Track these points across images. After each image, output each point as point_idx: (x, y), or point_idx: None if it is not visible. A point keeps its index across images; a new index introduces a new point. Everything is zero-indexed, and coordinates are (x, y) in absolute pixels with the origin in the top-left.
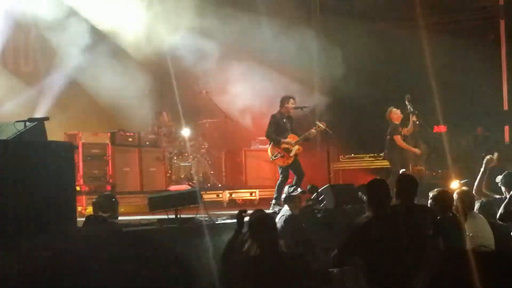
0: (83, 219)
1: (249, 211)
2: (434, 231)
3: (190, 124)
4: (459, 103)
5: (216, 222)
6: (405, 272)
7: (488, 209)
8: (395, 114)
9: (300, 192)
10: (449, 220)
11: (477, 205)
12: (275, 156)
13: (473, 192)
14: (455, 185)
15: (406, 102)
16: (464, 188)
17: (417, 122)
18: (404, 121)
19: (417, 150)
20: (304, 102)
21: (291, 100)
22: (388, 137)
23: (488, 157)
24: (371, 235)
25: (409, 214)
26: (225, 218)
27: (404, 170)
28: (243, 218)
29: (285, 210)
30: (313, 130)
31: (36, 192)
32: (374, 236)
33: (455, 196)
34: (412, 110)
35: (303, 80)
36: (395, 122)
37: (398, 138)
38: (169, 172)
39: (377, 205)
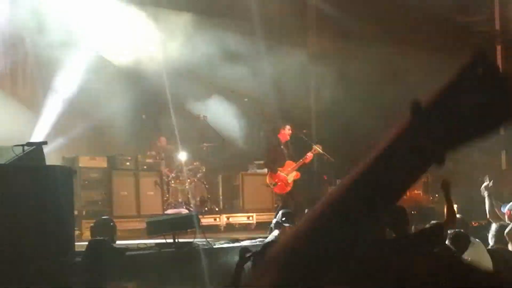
0: (80, 243)
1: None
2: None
3: (187, 148)
4: None
5: (214, 247)
6: None
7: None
8: None
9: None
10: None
11: (494, 227)
12: (273, 185)
13: (488, 217)
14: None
15: None
16: (458, 216)
17: None
18: None
19: None
20: (303, 126)
21: (287, 127)
22: None
23: (485, 184)
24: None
25: (400, 245)
26: (223, 242)
27: None
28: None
29: (274, 236)
30: (309, 154)
31: (34, 216)
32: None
33: None
34: None
35: (301, 104)
36: None
37: None
38: (167, 196)
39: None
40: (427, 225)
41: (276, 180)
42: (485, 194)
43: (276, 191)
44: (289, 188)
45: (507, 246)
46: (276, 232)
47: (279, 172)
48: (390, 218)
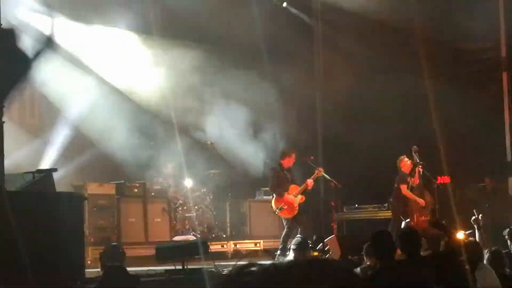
0: (89, 270)
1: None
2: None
3: (194, 175)
4: (463, 154)
5: (223, 273)
6: None
7: (499, 257)
8: (405, 163)
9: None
10: (456, 273)
11: (487, 254)
12: (280, 209)
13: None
14: (460, 236)
15: (413, 153)
16: (471, 239)
17: (421, 173)
18: (411, 172)
19: (422, 201)
20: (309, 152)
21: (293, 154)
22: (395, 185)
23: (474, 217)
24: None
25: (413, 268)
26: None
27: (408, 220)
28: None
29: (291, 259)
30: (313, 176)
31: (45, 242)
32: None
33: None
34: (418, 161)
35: (308, 131)
36: (404, 171)
37: (404, 188)
38: (174, 222)
39: (382, 256)
40: (441, 249)
41: (282, 204)
42: (475, 226)
43: (282, 215)
44: (295, 212)
45: (504, 270)
46: (291, 257)
47: (285, 195)
48: (402, 240)
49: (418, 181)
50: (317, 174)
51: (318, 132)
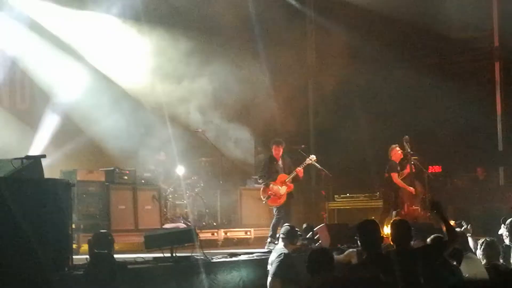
0: (77, 256)
1: None
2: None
3: (185, 163)
4: (454, 144)
5: (212, 261)
6: None
7: (494, 247)
8: (396, 153)
9: (299, 235)
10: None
11: (483, 245)
12: (266, 198)
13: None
14: None
15: (404, 143)
16: (458, 229)
17: (412, 163)
18: (402, 162)
19: (412, 190)
20: (300, 142)
21: (275, 146)
22: (386, 174)
23: (463, 227)
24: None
25: (403, 259)
26: (221, 257)
27: (398, 211)
28: None
29: (281, 248)
30: (303, 164)
31: (33, 229)
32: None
33: None
34: (409, 151)
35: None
36: (394, 160)
37: (395, 176)
38: (164, 210)
39: (368, 246)
40: (428, 240)
41: (269, 193)
42: (468, 235)
43: (269, 203)
44: (282, 201)
45: (498, 260)
46: (281, 245)
47: (271, 185)
48: (392, 231)
49: (409, 170)
50: (307, 162)
51: (310, 120)
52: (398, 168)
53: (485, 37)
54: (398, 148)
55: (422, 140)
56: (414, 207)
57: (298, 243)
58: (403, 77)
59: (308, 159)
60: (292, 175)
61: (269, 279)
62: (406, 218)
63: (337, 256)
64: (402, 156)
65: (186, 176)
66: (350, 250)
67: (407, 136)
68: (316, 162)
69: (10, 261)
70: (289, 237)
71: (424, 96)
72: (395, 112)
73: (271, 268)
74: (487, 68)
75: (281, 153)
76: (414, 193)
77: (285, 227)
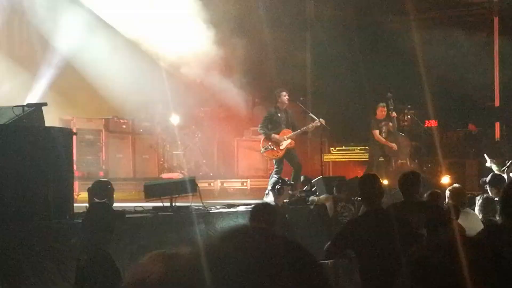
0: (76, 204)
1: None
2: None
3: (183, 113)
4: (450, 99)
5: (211, 211)
6: (396, 267)
7: (490, 204)
8: (378, 110)
9: (287, 184)
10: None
11: (479, 201)
12: (265, 149)
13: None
14: (445, 180)
15: (388, 100)
16: (456, 185)
17: (408, 117)
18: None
19: (392, 145)
20: (297, 95)
21: (283, 93)
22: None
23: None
24: (364, 229)
25: (406, 211)
26: (219, 207)
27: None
28: None
29: (270, 201)
30: (312, 125)
31: (34, 177)
32: (366, 230)
33: (447, 193)
34: (392, 107)
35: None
36: (377, 118)
37: (375, 133)
38: (162, 159)
39: (369, 200)
40: (425, 195)
41: (269, 144)
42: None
43: (267, 155)
44: (280, 154)
45: (494, 216)
46: (271, 197)
47: (273, 136)
48: (400, 183)
49: (394, 126)
50: (317, 124)
51: (307, 72)
52: (381, 125)
53: None
54: (381, 106)
55: (418, 95)
56: (401, 161)
57: (291, 193)
58: (399, 31)
59: (317, 121)
60: (297, 132)
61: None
62: (395, 173)
63: (313, 198)
64: (385, 114)
65: (184, 126)
66: (326, 195)
67: (389, 94)
68: (325, 124)
69: (11, 208)
70: (276, 189)
71: (420, 50)
72: (391, 66)
73: None
74: (485, 23)
75: (286, 104)
76: (395, 148)
77: (273, 179)
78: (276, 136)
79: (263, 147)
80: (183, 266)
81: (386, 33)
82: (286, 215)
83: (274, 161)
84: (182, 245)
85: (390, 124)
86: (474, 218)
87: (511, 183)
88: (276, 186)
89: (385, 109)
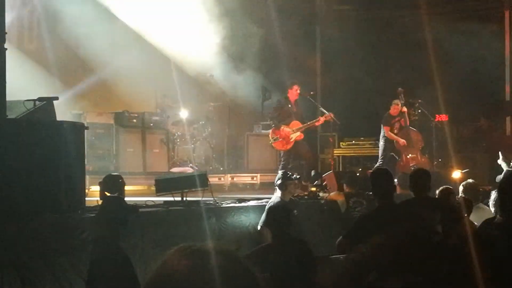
0: (87, 198)
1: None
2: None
3: (193, 107)
4: (461, 93)
5: (222, 206)
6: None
7: None
8: (392, 107)
9: (296, 179)
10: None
11: (493, 196)
12: (274, 140)
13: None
14: (456, 175)
15: (399, 95)
16: (470, 180)
17: (419, 111)
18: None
19: (402, 141)
20: (308, 89)
21: (295, 86)
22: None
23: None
24: (376, 224)
25: (418, 207)
26: (230, 202)
27: (397, 161)
28: None
29: (275, 197)
30: (322, 119)
31: (46, 171)
32: (379, 226)
33: (460, 188)
34: (403, 102)
35: (306, 67)
36: (390, 113)
37: (386, 129)
38: (172, 154)
39: (381, 195)
40: (437, 191)
41: (278, 135)
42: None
43: (275, 146)
44: (289, 146)
45: None
46: (278, 193)
47: (282, 128)
48: (411, 179)
49: (407, 121)
50: (326, 118)
51: (317, 65)
52: (393, 122)
53: None
54: (395, 103)
55: (428, 89)
56: (411, 156)
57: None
58: (409, 25)
59: (327, 114)
60: (306, 125)
61: (258, 227)
62: (405, 168)
63: (323, 194)
64: (399, 110)
65: (194, 120)
66: (337, 192)
67: (400, 88)
68: (334, 118)
69: (23, 202)
70: (278, 185)
71: (430, 44)
72: (403, 60)
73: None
74: (496, 17)
75: (297, 96)
76: (404, 144)
77: (278, 174)
78: (286, 128)
79: (272, 138)
80: (210, 263)
81: (397, 27)
82: (295, 211)
83: (281, 153)
84: (203, 240)
85: (402, 119)
86: (487, 213)
87: (507, 179)
88: (278, 182)
89: (399, 106)
